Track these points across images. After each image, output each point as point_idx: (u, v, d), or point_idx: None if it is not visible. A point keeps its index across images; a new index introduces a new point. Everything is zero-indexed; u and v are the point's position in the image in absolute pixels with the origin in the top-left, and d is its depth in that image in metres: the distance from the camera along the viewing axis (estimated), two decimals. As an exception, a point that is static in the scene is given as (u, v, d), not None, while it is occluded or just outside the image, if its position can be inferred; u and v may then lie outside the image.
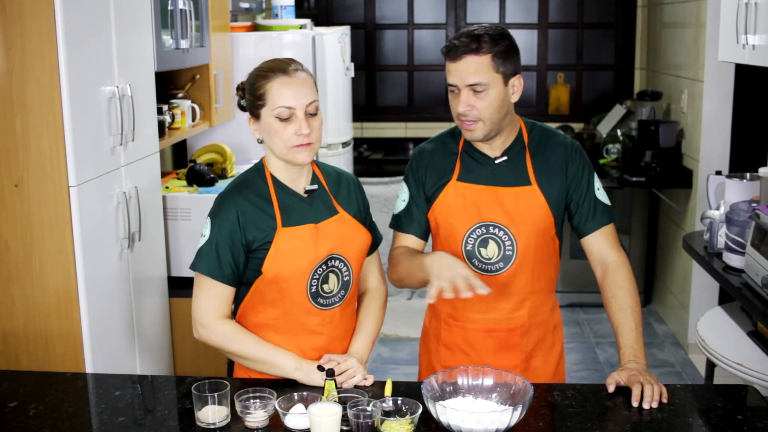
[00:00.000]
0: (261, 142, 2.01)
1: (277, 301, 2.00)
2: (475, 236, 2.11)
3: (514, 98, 2.08)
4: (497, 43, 2.02)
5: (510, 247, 2.11)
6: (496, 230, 2.10)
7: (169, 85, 3.54)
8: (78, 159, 2.37)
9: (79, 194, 2.39)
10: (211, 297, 1.98)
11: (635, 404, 1.84)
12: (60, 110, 2.32)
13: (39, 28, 2.28)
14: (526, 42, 5.89)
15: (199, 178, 3.35)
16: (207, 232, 1.98)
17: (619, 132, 5.16)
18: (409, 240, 2.21)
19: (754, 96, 4.34)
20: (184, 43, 3.21)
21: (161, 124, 3.13)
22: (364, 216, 2.14)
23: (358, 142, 5.68)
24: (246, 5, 4.29)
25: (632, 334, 2.00)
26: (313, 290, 2.00)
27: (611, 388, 1.89)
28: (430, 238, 2.25)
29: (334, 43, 4.20)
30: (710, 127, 4.35)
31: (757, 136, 4.27)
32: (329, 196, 2.07)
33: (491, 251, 2.11)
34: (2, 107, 2.33)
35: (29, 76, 2.31)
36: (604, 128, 5.34)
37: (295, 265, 1.97)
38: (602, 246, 2.15)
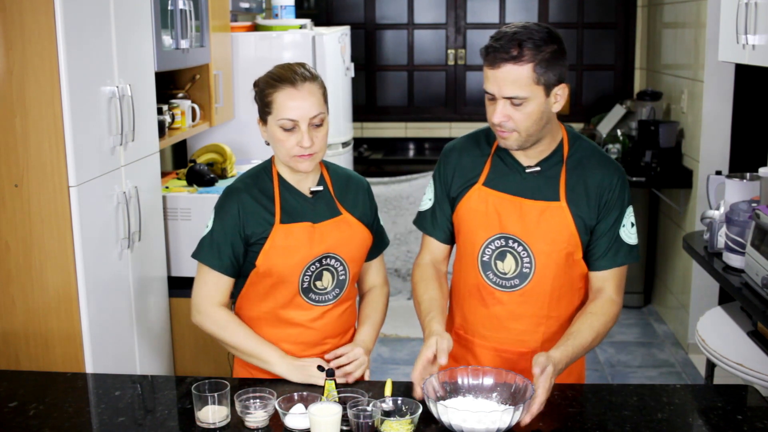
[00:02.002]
0: (268, 144, 2.04)
1: (269, 294, 2.04)
2: (493, 247, 2.00)
3: (557, 108, 1.92)
4: (541, 50, 1.84)
5: (528, 264, 1.98)
6: (515, 244, 1.99)
7: (169, 85, 3.54)
8: (78, 159, 2.37)
9: (79, 194, 2.39)
10: (209, 285, 2.04)
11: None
12: (60, 110, 2.32)
13: (39, 28, 2.28)
14: (526, 42, 5.88)
15: (199, 178, 3.35)
16: (210, 223, 2.05)
17: (619, 132, 5.16)
18: (433, 244, 2.13)
19: (754, 96, 4.34)
20: (184, 43, 3.21)
21: (161, 124, 3.13)
22: (370, 220, 2.15)
23: (358, 142, 5.68)
24: (246, 5, 4.28)
25: (578, 349, 1.88)
26: (305, 286, 2.03)
27: (537, 370, 1.76)
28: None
29: (334, 43, 4.20)
30: (710, 127, 4.35)
31: (757, 136, 4.27)
32: (333, 198, 2.08)
33: (508, 266, 2.00)
34: (2, 107, 2.33)
35: (29, 76, 2.30)
36: (604, 128, 5.34)
37: (287, 260, 2.00)
38: (606, 284, 2.01)
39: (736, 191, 3.17)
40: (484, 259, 2.02)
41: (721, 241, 3.11)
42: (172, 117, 3.30)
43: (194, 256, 2.05)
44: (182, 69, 3.43)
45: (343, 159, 4.39)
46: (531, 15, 5.83)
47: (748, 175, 3.23)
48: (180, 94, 3.46)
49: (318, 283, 2.04)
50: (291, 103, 1.95)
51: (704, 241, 3.27)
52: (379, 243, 2.20)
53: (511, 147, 1.96)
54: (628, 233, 2.01)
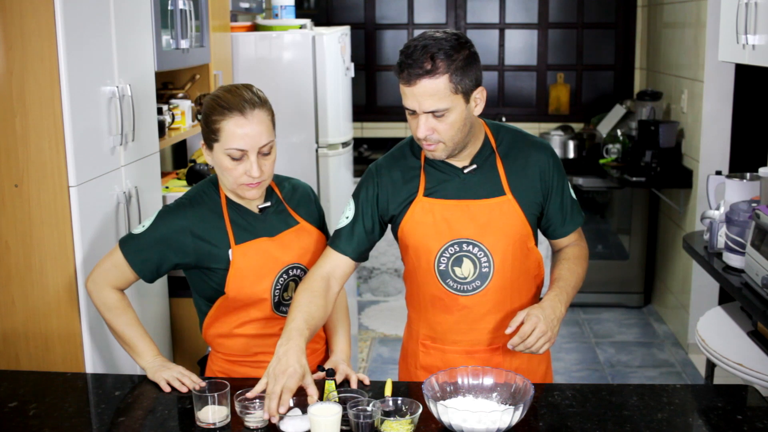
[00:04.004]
0: (212, 168, 2.04)
1: (241, 312, 2.05)
2: (448, 255, 1.99)
3: (477, 111, 1.92)
4: (454, 59, 1.82)
5: (486, 264, 1.98)
6: (470, 247, 1.97)
7: (169, 85, 3.54)
8: (78, 159, 2.37)
9: (79, 194, 2.39)
10: (116, 270, 2.05)
11: (512, 338, 1.87)
12: (60, 110, 2.32)
13: (39, 28, 2.28)
14: (526, 42, 5.89)
15: (199, 178, 3.35)
16: (148, 224, 2.03)
17: (619, 132, 5.16)
18: (339, 260, 2.02)
19: (754, 96, 4.34)
20: (184, 43, 3.21)
21: (161, 124, 3.13)
22: (320, 223, 2.17)
23: (358, 142, 5.68)
24: (246, 5, 4.28)
25: (563, 291, 1.96)
26: (276, 300, 2.04)
27: (509, 330, 1.88)
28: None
29: (334, 43, 4.20)
30: (710, 127, 4.35)
31: (757, 136, 4.28)
32: (287, 209, 2.09)
33: (466, 270, 1.99)
34: (2, 107, 2.33)
35: (29, 76, 2.30)
36: (604, 128, 5.34)
37: (256, 280, 2.01)
38: (570, 240, 2.12)
39: (736, 191, 3.17)
40: (441, 268, 2.00)
41: (721, 241, 3.12)
42: (172, 117, 3.30)
43: (120, 242, 2.06)
44: (182, 69, 3.43)
45: (343, 159, 4.39)
46: (531, 15, 5.84)
47: (748, 175, 3.24)
48: (180, 94, 3.46)
49: (285, 294, 2.06)
50: (240, 131, 1.90)
51: (704, 241, 3.27)
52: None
53: (439, 158, 1.96)
54: (572, 192, 2.10)
